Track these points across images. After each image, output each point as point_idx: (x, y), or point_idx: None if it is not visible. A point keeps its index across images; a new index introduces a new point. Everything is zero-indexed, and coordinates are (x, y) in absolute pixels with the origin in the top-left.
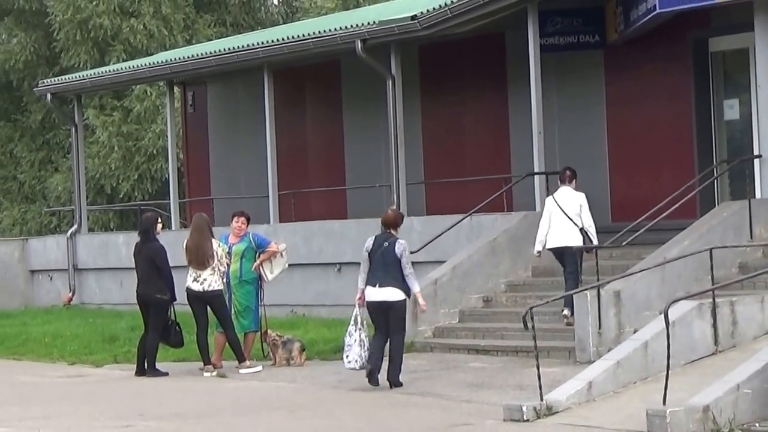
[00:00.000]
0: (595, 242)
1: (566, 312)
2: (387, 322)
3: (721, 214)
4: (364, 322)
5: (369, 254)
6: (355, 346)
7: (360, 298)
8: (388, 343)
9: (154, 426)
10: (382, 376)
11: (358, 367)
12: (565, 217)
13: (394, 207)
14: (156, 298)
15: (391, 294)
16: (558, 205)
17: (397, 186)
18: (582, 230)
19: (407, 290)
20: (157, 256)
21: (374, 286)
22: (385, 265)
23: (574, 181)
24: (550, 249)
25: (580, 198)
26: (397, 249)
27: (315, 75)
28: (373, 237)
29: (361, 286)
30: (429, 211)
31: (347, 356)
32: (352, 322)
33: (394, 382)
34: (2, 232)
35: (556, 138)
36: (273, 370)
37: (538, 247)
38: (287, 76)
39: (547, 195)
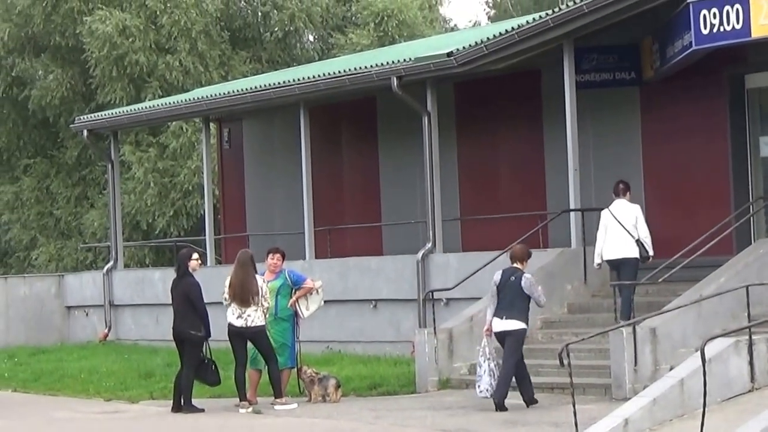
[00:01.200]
0: (651, 253)
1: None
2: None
3: (757, 251)
4: (493, 353)
5: (497, 287)
6: (485, 376)
7: (488, 330)
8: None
9: None
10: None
11: (489, 396)
12: (621, 228)
13: (520, 243)
14: (190, 334)
15: (514, 325)
16: (614, 217)
17: (432, 222)
18: (638, 241)
19: (527, 320)
20: (191, 292)
21: (501, 318)
22: (511, 299)
23: (628, 193)
24: (606, 261)
25: (636, 210)
26: (524, 283)
27: (351, 111)
28: (501, 271)
29: (489, 318)
30: (465, 247)
31: (479, 386)
32: (480, 353)
33: (499, 404)
34: (39, 268)
35: (592, 175)
36: (308, 406)
37: (597, 259)
38: (323, 112)
39: (583, 232)
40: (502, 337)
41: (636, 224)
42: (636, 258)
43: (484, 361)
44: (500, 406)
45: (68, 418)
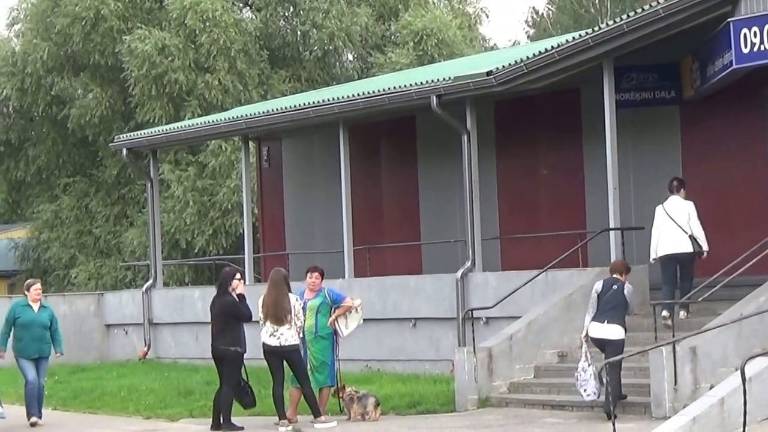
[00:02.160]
0: (706, 248)
1: (682, 315)
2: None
3: None
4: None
5: (598, 296)
6: (591, 380)
7: (585, 336)
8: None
9: None
10: None
11: (596, 398)
12: (675, 225)
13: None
14: (230, 351)
15: (615, 332)
16: (667, 214)
17: (472, 241)
18: (691, 237)
19: (626, 329)
20: (232, 309)
21: (602, 322)
22: (613, 305)
23: (682, 190)
24: (661, 257)
25: (689, 206)
26: (626, 291)
27: (390, 130)
28: (602, 281)
29: (587, 323)
30: (504, 266)
31: (585, 390)
32: (582, 359)
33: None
34: (78, 286)
35: (632, 193)
36: (348, 425)
37: (652, 255)
38: (362, 131)
39: (623, 251)
40: (600, 342)
41: (689, 221)
42: (691, 253)
43: (589, 366)
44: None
45: None
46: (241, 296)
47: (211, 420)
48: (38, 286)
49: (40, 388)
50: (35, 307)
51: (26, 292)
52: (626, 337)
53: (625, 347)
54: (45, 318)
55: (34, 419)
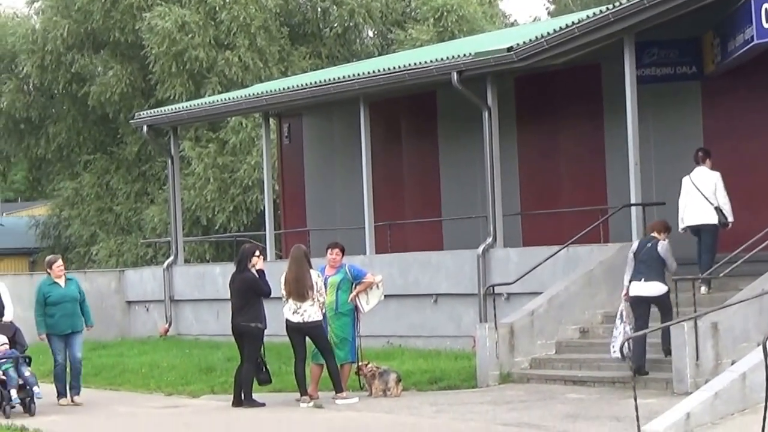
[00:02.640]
0: (730, 219)
1: (703, 290)
2: (647, 314)
3: None
4: (631, 315)
5: (634, 254)
6: (620, 337)
7: (626, 294)
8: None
9: None
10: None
11: (621, 357)
12: (701, 196)
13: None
14: (250, 327)
15: (655, 288)
16: (693, 184)
17: (493, 217)
18: (716, 208)
19: (665, 283)
20: (249, 288)
21: (639, 281)
22: (648, 263)
23: (708, 160)
24: (687, 227)
25: (715, 177)
26: (660, 248)
27: (411, 106)
28: (638, 240)
29: (626, 283)
30: (525, 242)
31: (612, 346)
32: (618, 317)
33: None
34: (99, 263)
35: (653, 169)
36: (369, 401)
37: (681, 225)
38: (383, 107)
39: (644, 227)
40: (640, 300)
41: (715, 191)
42: (714, 224)
43: (621, 324)
44: (668, 353)
45: (130, 413)
46: (261, 272)
47: (232, 396)
48: (60, 262)
49: (77, 364)
50: (61, 282)
51: (48, 270)
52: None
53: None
54: (74, 291)
55: (64, 401)
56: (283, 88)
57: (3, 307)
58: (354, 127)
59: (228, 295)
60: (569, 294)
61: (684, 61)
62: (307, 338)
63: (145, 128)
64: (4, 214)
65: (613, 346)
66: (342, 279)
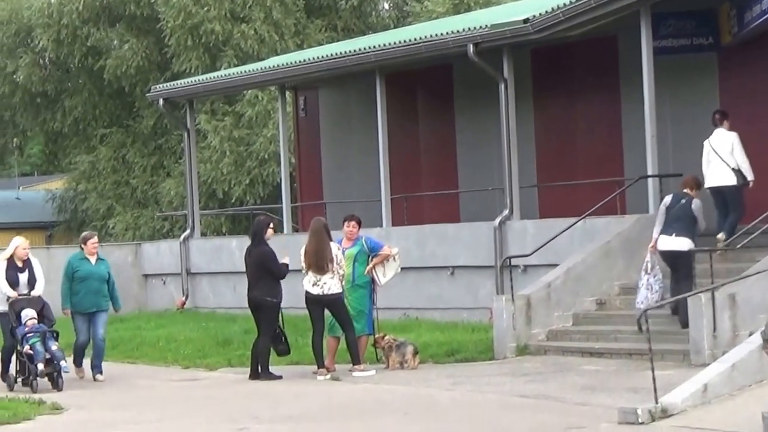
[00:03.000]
0: (750, 177)
1: (720, 235)
2: (677, 269)
3: None
4: (656, 268)
5: (667, 209)
6: (643, 289)
7: (653, 246)
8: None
9: (269, 429)
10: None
11: (643, 308)
12: (718, 158)
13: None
14: (266, 301)
15: (683, 244)
16: (712, 147)
17: (509, 189)
18: (735, 170)
19: (695, 241)
20: (266, 261)
21: (670, 235)
22: (680, 219)
23: (725, 122)
24: (708, 188)
25: (732, 137)
26: (694, 206)
27: (427, 79)
28: (671, 195)
29: (656, 235)
30: (542, 214)
31: (637, 298)
32: (642, 268)
33: (684, 324)
34: (115, 236)
35: (670, 140)
36: (386, 373)
37: (707, 185)
38: (399, 79)
39: (661, 198)
40: (668, 255)
41: (732, 152)
42: (734, 185)
43: (645, 275)
44: (685, 325)
45: (147, 386)
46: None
47: (249, 369)
48: (95, 239)
49: (100, 342)
50: (92, 260)
51: (82, 246)
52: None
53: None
54: (103, 271)
55: (79, 372)
56: (299, 61)
57: (35, 281)
58: (370, 99)
59: (244, 268)
60: (586, 266)
61: (700, 33)
62: (325, 311)
63: (161, 102)
64: (20, 188)
65: (637, 298)
66: (358, 251)
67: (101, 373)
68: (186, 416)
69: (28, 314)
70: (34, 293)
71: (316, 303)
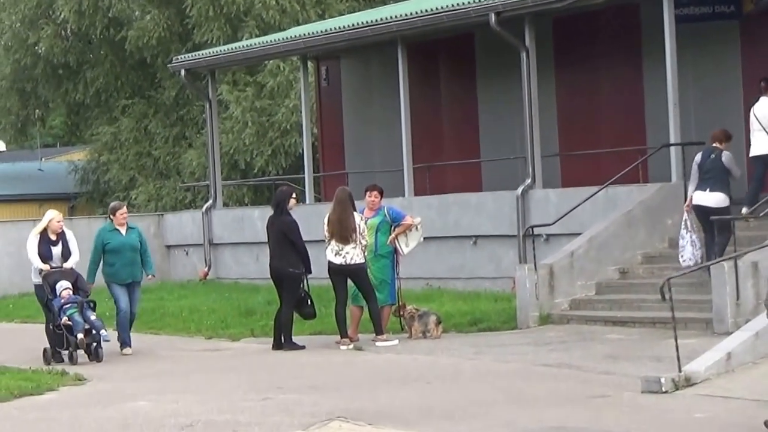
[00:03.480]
0: None
1: (743, 210)
2: (713, 225)
3: None
4: (694, 225)
5: (699, 166)
6: (688, 246)
7: (688, 205)
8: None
9: (293, 399)
10: None
11: (692, 264)
12: (759, 126)
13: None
14: (289, 272)
15: (718, 199)
16: (754, 115)
17: (532, 158)
18: None
19: (730, 194)
20: (290, 231)
21: (704, 191)
22: (713, 174)
23: None
24: (750, 158)
25: None
26: (725, 159)
27: (448, 48)
28: (701, 151)
29: (691, 193)
30: (564, 183)
31: (682, 256)
32: (683, 227)
33: None
34: (138, 207)
35: (692, 109)
36: (409, 342)
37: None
38: (421, 49)
39: (683, 166)
40: (703, 211)
41: None
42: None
43: (687, 233)
44: None
45: (170, 356)
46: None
47: (272, 339)
48: (124, 209)
49: (132, 314)
50: (123, 230)
51: (111, 217)
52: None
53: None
54: (134, 240)
55: (128, 350)
56: (321, 31)
57: (70, 253)
58: (392, 69)
59: (266, 239)
60: (609, 234)
61: (722, 0)
62: (348, 281)
63: (182, 72)
64: (43, 160)
65: (682, 256)
66: (381, 221)
67: (130, 345)
68: (209, 387)
69: (63, 285)
70: (66, 265)
71: (338, 273)
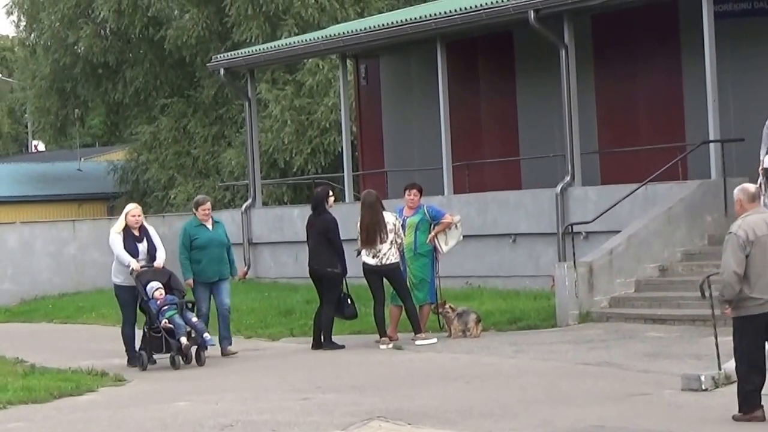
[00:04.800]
0: None
1: None
2: None
3: None
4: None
5: None
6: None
7: (762, 168)
8: None
9: (332, 398)
10: None
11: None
12: None
13: None
14: (328, 271)
15: None
16: None
17: (571, 156)
18: None
19: None
20: (329, 230)
21: None
22: None
23: None
24: None
25: None
26: None
27: (487, 46)
28: None
29: (762, 157)
30: (603, 180)
31: None
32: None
33: None
34: (177, 207)
35: (731, 105)
36: (449, 341)
37: None
38: (460, 47)
39: (723, 163)
40: None
41: None
42: None
43: (762, 196)
44: None
45: (209, 356)
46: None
47: (312, 339)
48: (207, 205)
49: (226, 311)
50: (208, 225)
51: (194, 211)
52: None
53: None
54: (222, 236)
55: (229, 348)
56: (360, 29)
57: (155, 250)
58: (431, 67)
59: (306, 238)
60: (648, 232)
61: None
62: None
63: (221, 71)
64: (82, 159)
65: None
66: (420, 220)
67: (231, 343)
68: (248, 387)
69: (154, 286)
70: (156, 263)
71: (373, 273)
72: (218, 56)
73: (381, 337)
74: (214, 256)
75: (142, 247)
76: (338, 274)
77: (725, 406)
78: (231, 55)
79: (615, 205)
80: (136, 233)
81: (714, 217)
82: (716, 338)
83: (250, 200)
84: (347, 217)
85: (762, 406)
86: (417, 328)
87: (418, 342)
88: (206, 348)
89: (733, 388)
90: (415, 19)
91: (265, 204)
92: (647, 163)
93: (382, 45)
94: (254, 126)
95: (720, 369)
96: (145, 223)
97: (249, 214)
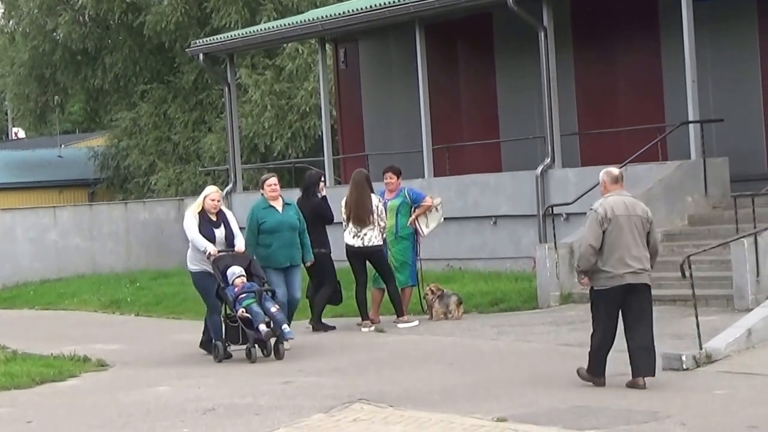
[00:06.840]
0: None
1: None
2: None
3: None
4: None
5: None
6: None
7: None
8: None
9: (315, 381)
10: None
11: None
12: None
13: None
14: (320, 253)
15: None
16: None
17: (551, 138)
18: None
19: None
20: (323, 208)
21: None
22: None
23: None
24: None
25: None
26: None
27: (466, 28)
28: None
29: None
30: (583, 162)
31: None
32: None
33: None
34: (158, 192)
35: (710, 86)
36: (430, 324)
37: None
38: (439, 30)
39: (702, 144)
40: None
41: None
42: None
43: None
44: None
45: (191, 341)
46: (324, 198)
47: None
48: (273, 180)
49: (295, 303)
50: (278, 206)
51: (261, 191)
52: (708, 229)
53: (706, 243)
54: (293, 218)
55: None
56: (339, 13)
57: (233, 236)
58: (410, 50)
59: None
60: None
61: None
62: (368, 263)
63: (201, 57)
64: (62, 146)
65: None
66: (401, 203)
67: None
68: (230, 371)
69: (235, 272)
70: (237, 249)
71: (356, 255)
72: (197, 41)
73: (363, 320)
74: (285, 240)
75: (219, 233)
76: (327, 254)
77: (706, 384)
78: (210, 40)
79: (595, 186)
80: (213, 218)
81: (694, 197)
82: (697, 318)
83: (231, 185)
84: (329, 200)
85: (604, 375)
86: (399, 311)
87: (400, 325)
88: (285, 340)
89: (714, 367)
90: (394, 2)
91: (245, 189)
92: (627, 145)
93: (360, 29)
94: (234, 111)
95: (701, 348)
96: (224, 208)
97: (230, 199)
